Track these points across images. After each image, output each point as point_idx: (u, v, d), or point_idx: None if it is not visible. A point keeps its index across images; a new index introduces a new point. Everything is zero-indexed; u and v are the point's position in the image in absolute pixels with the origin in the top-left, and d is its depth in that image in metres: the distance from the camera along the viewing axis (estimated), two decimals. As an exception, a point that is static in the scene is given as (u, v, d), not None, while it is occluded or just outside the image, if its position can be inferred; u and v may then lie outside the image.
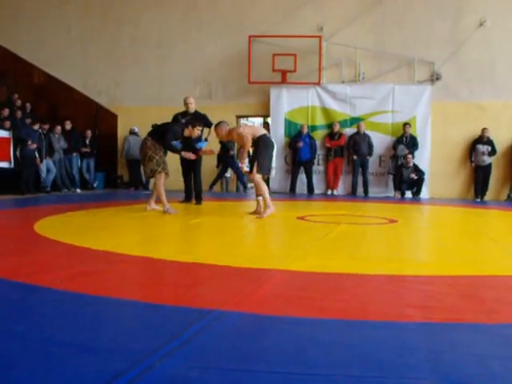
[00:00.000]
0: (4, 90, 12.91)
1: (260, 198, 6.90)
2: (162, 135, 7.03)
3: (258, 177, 6.79)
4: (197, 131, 7.29)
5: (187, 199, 8.87)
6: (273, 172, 7.09)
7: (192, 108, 8.57)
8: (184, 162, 8.52)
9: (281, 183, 13.05)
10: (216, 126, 7.09)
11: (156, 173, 7.07)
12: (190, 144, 7.76)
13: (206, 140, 8.48)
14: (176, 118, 8.35)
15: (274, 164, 6.95)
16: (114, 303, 2.59)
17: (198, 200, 8.71)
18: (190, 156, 7.30)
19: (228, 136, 7.10)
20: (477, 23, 12.61)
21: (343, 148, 12.93)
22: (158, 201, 7.29)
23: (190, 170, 8.64)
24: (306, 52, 12.85)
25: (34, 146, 11.06)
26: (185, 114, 8.48)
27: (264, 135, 6.87)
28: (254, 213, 6.96)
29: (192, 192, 8.85)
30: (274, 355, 1.91)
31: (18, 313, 2.42)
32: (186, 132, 7.24)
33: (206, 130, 8.46)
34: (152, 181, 7.90)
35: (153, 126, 7.39)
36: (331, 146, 12.88)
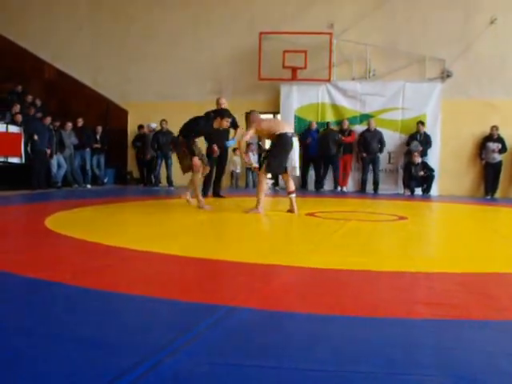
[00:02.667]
0: (15, 85, 12.97)
1: (292, 195, 6.82)
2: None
3: (264, 175, 6.75)
4: (225, 123, 7.23)
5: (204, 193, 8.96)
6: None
7: (224, 108, 8.81)
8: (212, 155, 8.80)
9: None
10: (248, 113, 7.13)
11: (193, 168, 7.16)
12: (220, 141, 8.42)
13: (233, 139, 8.93)
14: (208, 114, 8.40)
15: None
16: (124, 299, 2.60)
17: (218, 193, 9.14)
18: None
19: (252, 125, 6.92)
20: (488, 21, 12.53)
21: (352, 145, 12.92)
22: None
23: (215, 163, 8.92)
24: (317, 49, 12.83)
25: (36, 137, 11.01)
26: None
27: (284, 134, 6.58)
28: (290, 211, 6.83)
29: (209, 186, 8.97)
30: (283, 351, 1.91)
31: (28, 308, 2.43)
32: (215, 124, 7.21)
33: (232, 130, 8.83)
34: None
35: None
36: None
